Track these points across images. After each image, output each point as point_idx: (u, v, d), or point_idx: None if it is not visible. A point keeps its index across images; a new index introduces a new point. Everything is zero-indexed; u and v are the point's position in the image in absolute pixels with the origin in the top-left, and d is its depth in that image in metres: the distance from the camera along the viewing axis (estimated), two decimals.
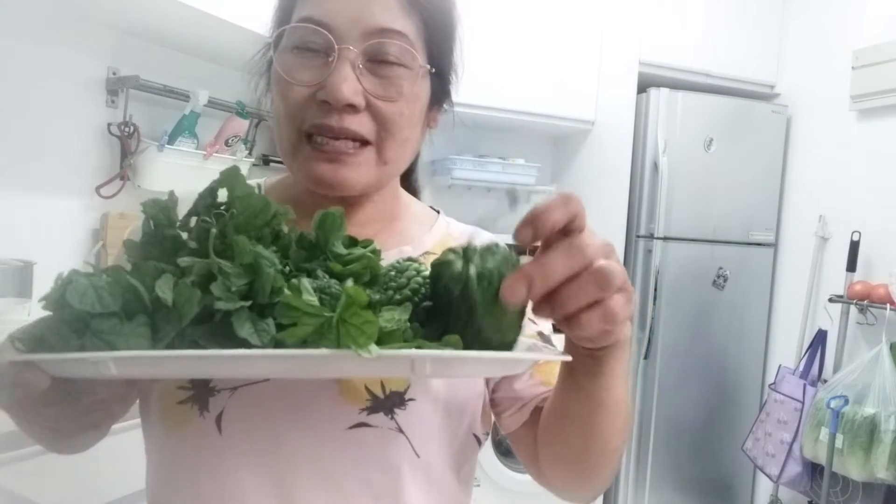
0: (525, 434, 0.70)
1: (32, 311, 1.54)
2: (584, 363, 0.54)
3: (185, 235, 0.49)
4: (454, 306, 0.47)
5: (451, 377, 0.66)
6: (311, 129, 0.63)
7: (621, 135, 2.76)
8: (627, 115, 2.74)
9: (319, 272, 0.48)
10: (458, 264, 0.47)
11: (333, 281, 0.45)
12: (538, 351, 0.55)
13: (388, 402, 0.63)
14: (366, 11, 0.61)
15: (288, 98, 0.63)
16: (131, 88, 1.86)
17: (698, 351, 2.82)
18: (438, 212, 0.81)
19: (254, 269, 0.44)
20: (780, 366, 2.78)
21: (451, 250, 0.49)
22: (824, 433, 2.32)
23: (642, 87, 2.73)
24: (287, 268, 0.48)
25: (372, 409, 0.62)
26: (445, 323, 0.48)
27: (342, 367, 0.45)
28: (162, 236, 0.48)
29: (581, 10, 2.79)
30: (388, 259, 0.69)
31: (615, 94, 2.80)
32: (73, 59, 1.80)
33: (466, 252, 0.48)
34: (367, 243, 0.53)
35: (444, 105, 0.73)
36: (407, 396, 0.63)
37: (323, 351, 0.42)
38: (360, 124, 0.62)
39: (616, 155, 2.76)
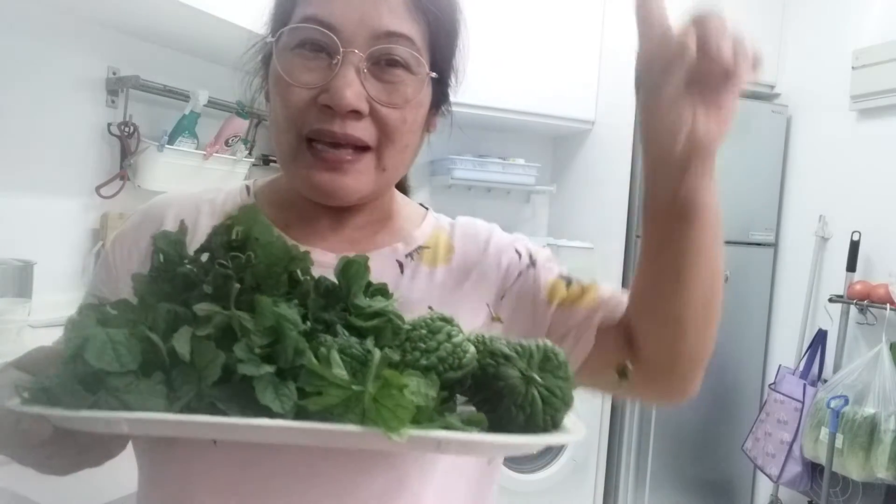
0: (598, 350, 0.68)
1: (32, 312, 1.54)
2: (664, 171, 0.58)
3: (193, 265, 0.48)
4: (504, 410, 0.47)
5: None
6: (311, 135, 0.60)
7: (621, 135, 2.75)
8: (627, 115, 2.73)
9: (339, 328, 0.46)
10: (520, 383, 0.47)
11: (354, 340, 0.44)
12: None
13: None
14: (373, 14, 0.59)
15: (288, 100, 0.61)
16: (131, 88, 1.85)
17: None
18: (427, 208, 0.79)
19: (276, 331, 0.43)
20: (780, 366, 2.78)
21: (505, 356, 0.48)
22: (824, 433, 2.32)
23: None
24: (306, 320, 0.46)
25: None
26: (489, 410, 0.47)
27: (367, 442, 0.44)
28: (173, 273, 0.46)
29: (581, 10, 2.78)
30: (379, 257, 0.67)
31: (615, 94, 2.79)
32: (73, 59, 1.79)
33: (528, 364, 0.48)
34: (382, 290, 0.51)
35: (444, 109, 0.72)
36: None
37: (352, 428, 0.41)
38: (363, 130, 0.60)
39: (616, 155, 2.76)
